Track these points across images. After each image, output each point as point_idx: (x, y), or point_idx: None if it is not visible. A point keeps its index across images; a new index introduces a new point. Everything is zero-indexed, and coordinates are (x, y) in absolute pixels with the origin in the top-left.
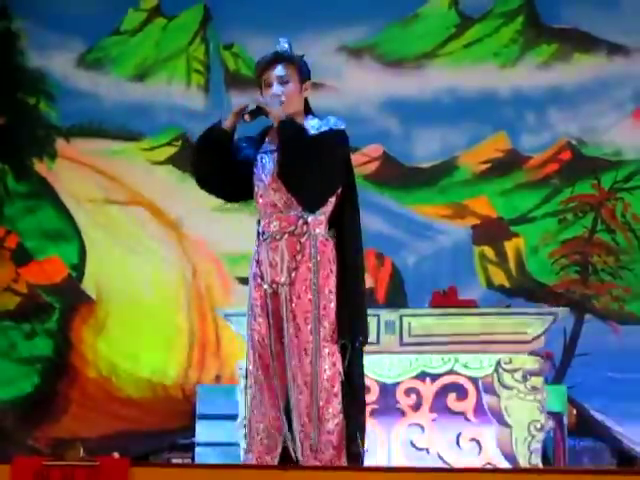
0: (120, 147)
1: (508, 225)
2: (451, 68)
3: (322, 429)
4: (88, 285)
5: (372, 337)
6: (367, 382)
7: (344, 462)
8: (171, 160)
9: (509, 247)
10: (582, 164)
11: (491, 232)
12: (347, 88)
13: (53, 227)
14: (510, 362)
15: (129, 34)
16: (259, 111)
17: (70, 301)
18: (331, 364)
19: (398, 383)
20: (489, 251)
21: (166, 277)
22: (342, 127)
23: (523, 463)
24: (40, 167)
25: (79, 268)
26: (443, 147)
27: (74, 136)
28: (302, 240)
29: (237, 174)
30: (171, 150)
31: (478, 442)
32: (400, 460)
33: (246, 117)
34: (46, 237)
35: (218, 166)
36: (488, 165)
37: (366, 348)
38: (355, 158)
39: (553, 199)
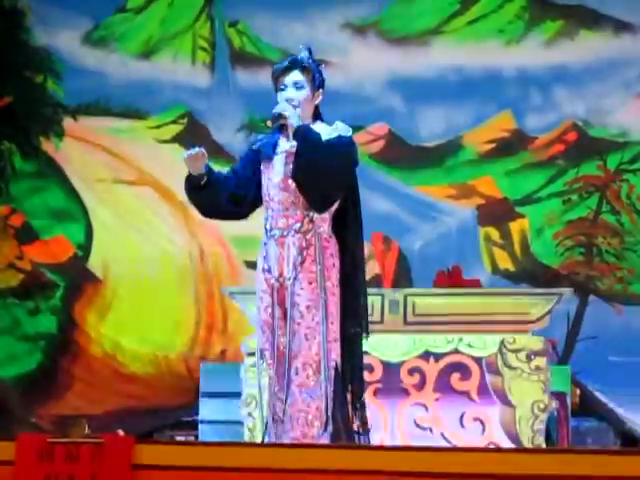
0: (127, 125)
1: (513, 206)
2: (456, 45)
3: (307, 405)
4: (94, 265)
5: (376, 316)
6: (371, 361)
7: (321, 440)
8: (177, 139)
9: (514, 228)
10: (588, 145)
11: (496, 212)
12: (352, 65)
13: (60, 206)
14: (514, 342)
15: (135, 11)
16: (279, 117)
17: (76, 280)
18: (329, 350)
19: (402, 362)
20: (494, 232)
21: (173, 258)
22: (349, 134)
23: (526, 443)
24: (47, 146)
25: (85, 248)
26: (448, 126)
27: (81, 114)
28: (307, 237)
29: (241, 195)
30: (177, 128)
31: (482, 422)
32: (403, 439)
33: (268, 123)
34: (53, 216)
35: (215, 204)
36: (493, 145)
37: (370, 327)
38: (360, 136)
39: (558, 180)
